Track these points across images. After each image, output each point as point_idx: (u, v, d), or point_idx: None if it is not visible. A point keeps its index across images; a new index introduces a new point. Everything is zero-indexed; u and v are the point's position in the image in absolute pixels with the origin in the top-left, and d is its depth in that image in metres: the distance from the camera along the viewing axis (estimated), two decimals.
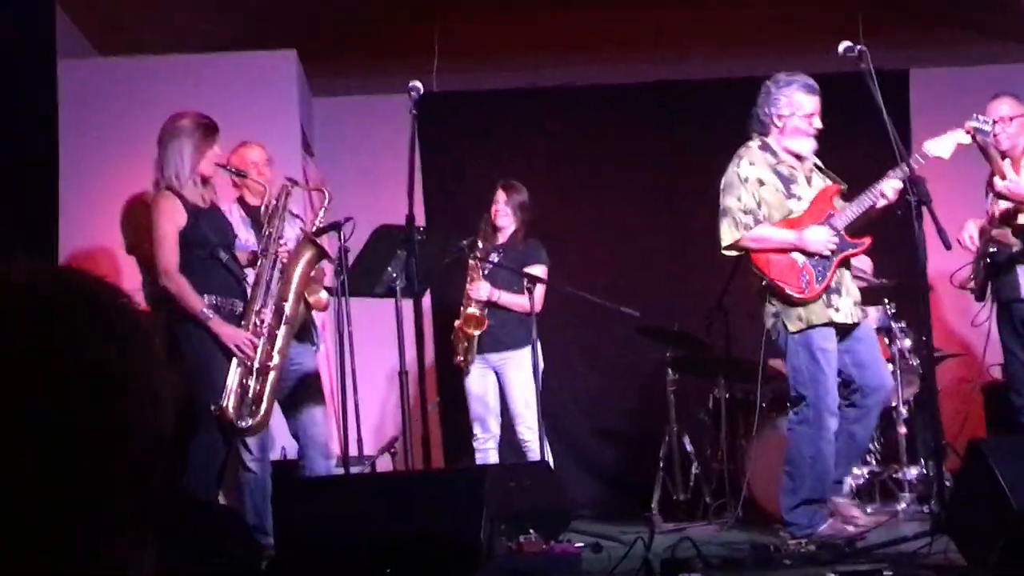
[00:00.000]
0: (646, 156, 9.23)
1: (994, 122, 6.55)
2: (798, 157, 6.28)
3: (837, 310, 6.09)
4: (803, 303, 6.10)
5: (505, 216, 7.54)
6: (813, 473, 6.08)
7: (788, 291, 6.09)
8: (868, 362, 6.16)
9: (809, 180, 6.29)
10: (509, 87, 9.39)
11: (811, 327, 6.06)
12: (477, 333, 7.39)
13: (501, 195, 7.58)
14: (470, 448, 7.61)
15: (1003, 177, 6.42)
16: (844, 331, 6.16)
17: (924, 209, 5.59)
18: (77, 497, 1.09)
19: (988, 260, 6.75)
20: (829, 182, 6.31)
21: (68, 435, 1.09)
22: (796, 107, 6.21)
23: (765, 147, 6.28)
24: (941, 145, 6.08)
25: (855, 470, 6.62)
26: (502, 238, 7.56)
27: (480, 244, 7.52)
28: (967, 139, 6.08)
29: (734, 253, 6.30)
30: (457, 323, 7.45)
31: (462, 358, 7.48)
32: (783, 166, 6.26)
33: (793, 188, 6.25)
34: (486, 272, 7.46)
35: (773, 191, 6.23)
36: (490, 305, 7.43)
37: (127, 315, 1.16)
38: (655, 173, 9.21)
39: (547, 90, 9.37)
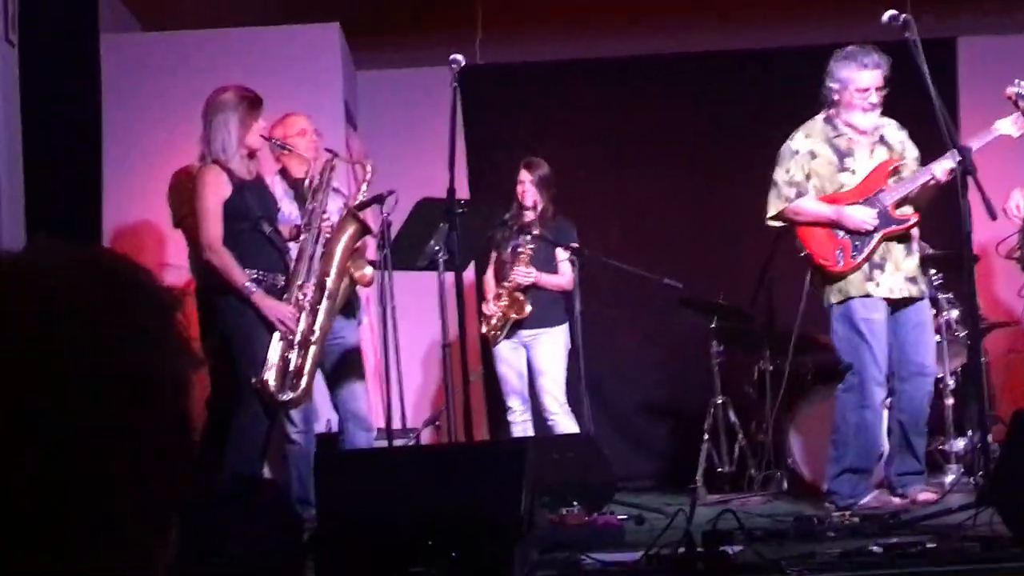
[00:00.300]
0: (691, 127, 9.16)
1: None
2: (861, 130, 6.32)
3: (878, 284, 6.19)
4: (840, 276, 6.22)
5: (532, 194, 7.53)
6: (857, 442, 6.22)
7: (822, 263, 6.25)
8: (910, 344, 6.26)
9: (872, 152, 6.34)
10: (553, 59, 9.35)
11: (850, 298, 6.19)
12: (516, 317, 7.42)
13: (524, 174, 7.56)
14: (506, 422, 7.63)
15: None
16: (895, 306, 6.24)
17: (970, 178, 5.54)
18: (77, 497, 1.09)
19: None
20: (892, 155, 6.33)
21: (68, 435, 1.08)
22: (847, 82, 6.27)
23: (828, 120, 6.38)
24: (1011, 126, 6.08)
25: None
26: (532, 216, 7.55)
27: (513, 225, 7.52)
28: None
29: (778, 224, 6.45)
30: (500, 306, 7.45)
31: (493, 333, 7.50)
32: (842, 139, 6.34)
33: (847, 162, 6.34)
34: (522, 254, 7.44)
35: (826, 163, 6.34)
36: (530, 287, 7.45)
37: (145, 303, 1.15)
38: (700, 145, 9.15)
39: (590, 61, 9.33)
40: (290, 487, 6.38)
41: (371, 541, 4.22)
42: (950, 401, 7.06)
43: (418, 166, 7.97)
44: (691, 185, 9.11)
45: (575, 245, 7.41)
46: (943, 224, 6.81)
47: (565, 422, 7.38)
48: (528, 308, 7.38)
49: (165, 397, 1.13)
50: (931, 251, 7.28)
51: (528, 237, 7.42)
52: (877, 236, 6.21)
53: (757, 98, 8.97)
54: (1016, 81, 6.14)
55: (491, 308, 7.53)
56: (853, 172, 6.35)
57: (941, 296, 7.07)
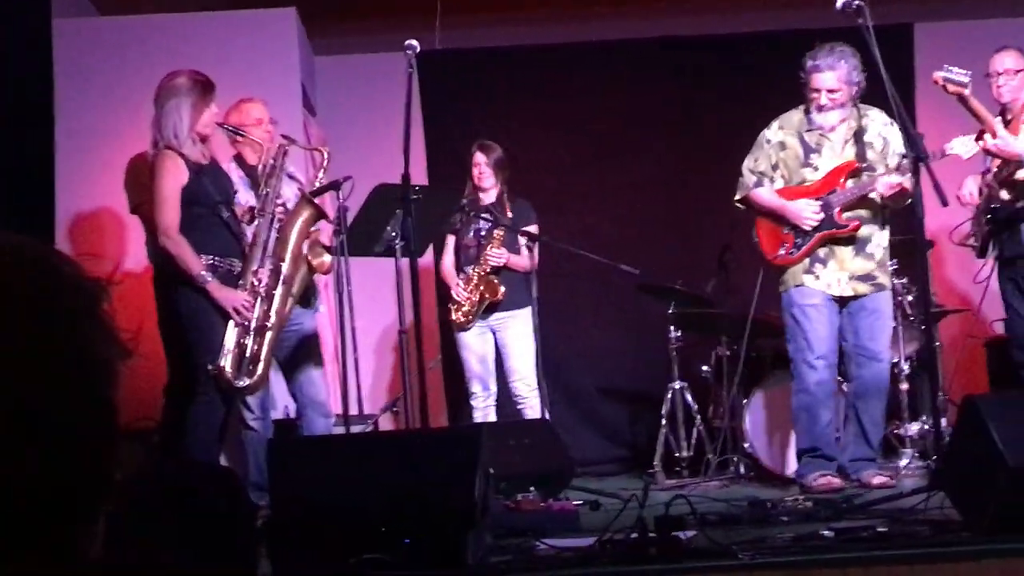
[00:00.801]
0: (650, 114, 9.17)
1: (998, 74, 6.62)
2: (828, 127, 6.53)
3: (817, 277, 6.48)
4: (781, 267, 6.55)
5: (488, 177, 7.54)
6: (799, 425, 6.53)
7: (766, 252, 6.60)
8: (863, 332, 6.46)
9: (843, 150, 6.53)
10: (513, 44, 9.33)
11: (791, 287, 6.50)
12: (491, 300, 7.43)
13: (479, 156, 7.58)
14: (469, 408, 7.63)
15: (994, 135, 6.38)
16: (844, 301, 6.48)
17: (922, 166, 5.58)
18: (46, 480, 1.09)
19: (989, 216, 6.72)
20: (870, 153, 6.50)
21: (26, 415, 1.08)
22: (805, 80, 6.49)
23: (806, 113, 6.57)
24: (964, 146, 6.26)
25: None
26: (488, 199, 7.55)
27: (484, 207, 7.52)
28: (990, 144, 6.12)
29: (743, 207, 6.74)
30: (472, 290, 7.44)
31: (465, 319, 7.49)
32: (812, 134, 6.56)
33: (812, 158, 6.56)
34: (495, 237, 7.45)
35: (793, 156, 6.60)
36: (501, 269, 7.46)
37: (70, 289, 1.15)
38: (659, 131, 9.16)
39: (552, 47, 9.31)
40: (247, 474, 6.38)
41: (325, 527, 4.22)
42: (904, 386, 7.13)
43: (377, 152, 7.95)
44: (654, 171, 9.10)
45: (531, 230, 7.43)
46: (896, 211, 6.84)
47: (536, 406, 7.38)
48: (503, 290, 7.40)
49: (89, 381, 1.13)
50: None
51: (488, 223, 7.42)
52: (816, 236, 6.46)
53: (719, 83, 8.98)
54: (944, 66, 6.21)
55: (462, 294, 7.51)
56: (815, 168, 6.54)
57: (896, 281, 7.12)
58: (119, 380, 1.19)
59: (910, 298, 7.19)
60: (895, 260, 7.12)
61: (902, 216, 6.63)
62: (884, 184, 6.30)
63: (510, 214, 7.48)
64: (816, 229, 6.45)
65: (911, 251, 6.54)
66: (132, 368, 1.19)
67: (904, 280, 7.19)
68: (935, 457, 5.91)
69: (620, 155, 9.12)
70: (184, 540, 4.02)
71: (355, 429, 6.59)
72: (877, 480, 6.31)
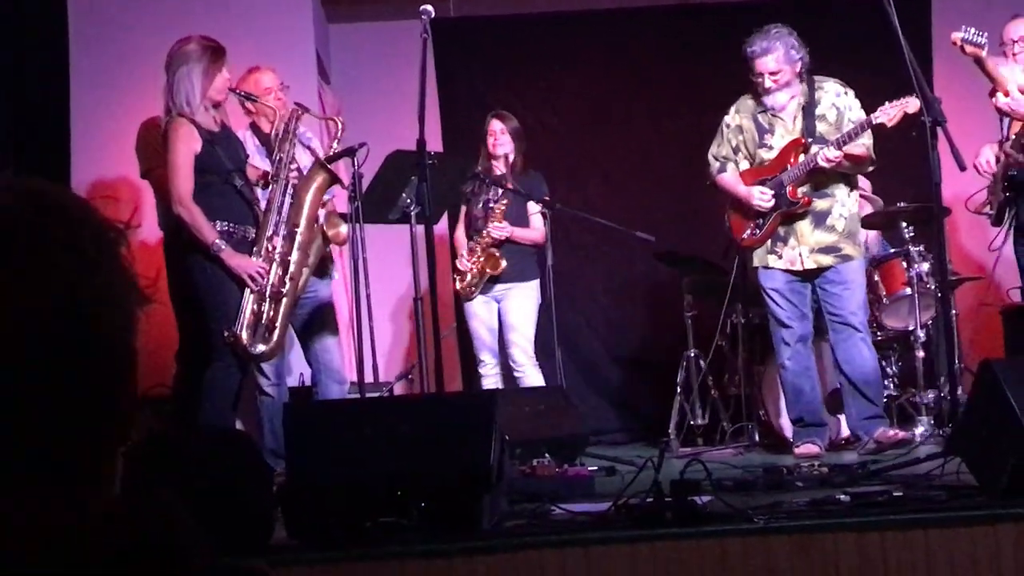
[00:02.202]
0: (666, 81, 9.12)
1: (1013, 42, 6.59)
2: (778, 107, 6.68)
3: (780, 257, 6.68)
4: (747, 248, 6.80)
5: (504, 145, 7.49)
6: (785, 398, 6.85)
7: (734, 235, 6.86)
8: (833, 301, 6.63)
9: (793, 126, 6.69)
10: (527, 12, 9.30)
11: (759, 268, 6.76)
12: (491, 273, 7.42)
13: (496, 124, 7.53)
14: (478, 376, 7.63)
15: (1005, 93, 6.36)
16: (812, 274, 6.66)
17: (939, 130, 5.55)
18: (77, 427, 1.09)
19: (1007, 183, 6.70)
20: (821, 126, 6.61)
21: (43, 354, 1.08)
22: (749, 69, 6.67)
23: (756, 95, 6.74)
24: (889, 113, 6.24)
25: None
26: (501, 169, 7.52)
27: (493, 176, 7.49)
28: (915, 107, 6.04)
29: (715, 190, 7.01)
30: (475, 261, 7.42)
31: (468, 289, 7.48)
32: (765, 115, 6.75)
33: (766, 138, 6.75)
34: (497, 209, 7.43)
35: (751, 139, 6.81)
36: (504, 241, 7.44)
37: (89, 231, 1.15)
38: (673, 99, 9.11)
39: (565, 15, 9.27)
40: (262, 440, 6.39)
41: (340, 492, 4.23)
42: (920, 353, 7.10)
43: (392, 120, 7.92)
44: (668, 139, 9.06)
45: (546, 198, 7.42)
46: (913, 177, 6.83)
47: (533, 375, 7.40)
48: (503, 264, 7.37)
49: (107, 323, 1.13)
50: (902, 204, 7.33)
51: (500, 191, 7.40)
52: (774, 215, 6.64)
53: (734, 51, 8.92)
54: (962, 27, 6.20)
55: (465, 264, 7.50)
56: (770, 148, 6.75)
57: (912, 249, 7.10)
58: (137, 324, 1.19)
59: (926, 266, 7.16)
60: (911, 227, 7.11)
61: (917, 183, 6.61)
62: (822, 157, 6.42)
63: (511, 184, 7.42)
64: (773, 210, 6.62)
65: (927, 219, 6.53)
66: (144, 334, 1.18)
67: (920, 248, 7.17)
68: (951, 424, 5.91)
69: (633, 123, 9.08)
70: (200, 504, 4.03)
71: (370, 396, 6.60)
72: (891, 434, 6.44)
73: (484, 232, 7.41)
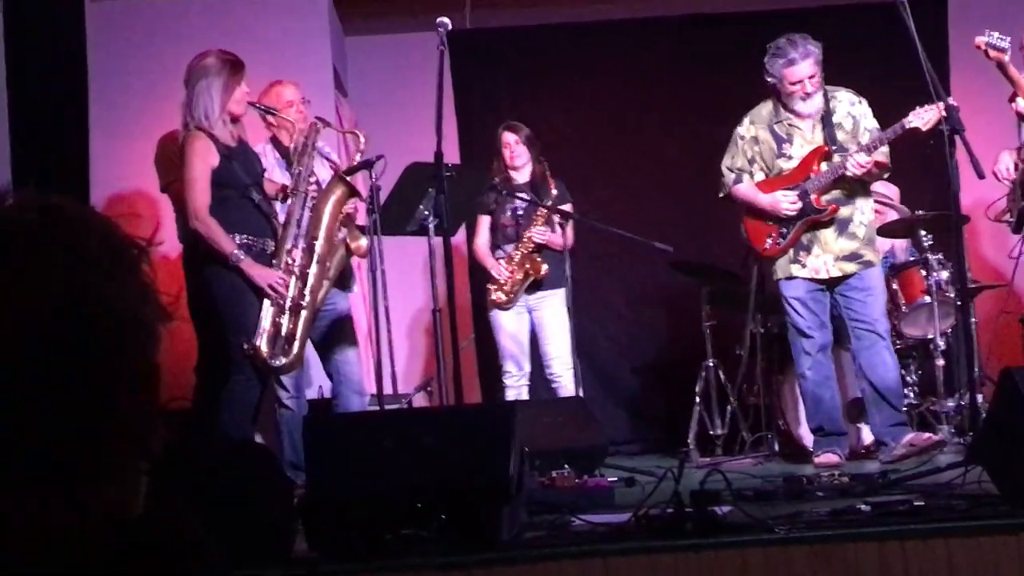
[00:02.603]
0: (682, 91, 9.14)
1: None
2: (804, 115, 6.64)
3: (804, 266, 6.64)
4: (768, 258, 6.74)
5: (521, 155, 7.52)
6: (805, 408, 6.86)
7: (755, 245, 6.78)
8: (856, 308, 6.60)
9: (813, 134, 6.66)
10: (543, 23, 9.32)
11: (782, 279, 6.70)
12: (534, 278, 7.43)
13: (509, 136, 7.56)
14: (502, 386, 7.64)
15: None
16: (835, 282, 6.62)
17: (957, 138, 5.54)
18: (77, 428, 1.10)
19: None
20: (839, 134, 6.59)
21: (64, 368, 1.09)
22: (779, 78, 6.61)
23: (774, 104, 6.71)
24: (924, 117, 6.19)
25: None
26: (522, 178, 7.54)
27: (521, 186, 7.51)
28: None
29: (729, 202, 6.94)
30: (514, 268, 7.43)
31: (508, 298, 7.48)
32: (782, 125, 6.70)
33: (785, 148, 6.71)
34: (520, 213, 7.45)
35: (767, 149, 6.75)
36: (542, 247, 7.47)
37: (109, 248, 1.16)
38: (692, 107, 9.11)
39: (581, 26, 9.30)
40: (281, 453, 6.40)
41: (360, 504, 4.23)
42: (940, 362, 7.07)
43: (408, 132, 7.95)
44: (684, 148, 9.06)
45: (566, 209, 7.45)
46: (932, 185, 6.82)
47: (570, 385, 7.39)
48: (545, 267, 7.40)
49: (127, 338, 1.13)
50: (920, 213, 7.31)
51: (525, 203, 7.42)
52: (799, 223, 6.60)
53: (751, 61, 8.92)
54: (986, 31, 6.19)
55: (504, 273, 7.50)
56: (790, 158, 6.69)
57: (931, 257, 7.08)
58: (159, 341, 1.19)
59: (945, 274, 7.14)
60: (930, 235, 7.09)
61: (936, 191, 6.60)
62: (853, 163, 6.40)
63: (554, 191, 7.47)
64: (797, 217, 6.59)
65: (945, 226, 6.51)
66: (165, 349, 1.19)
67: (939, 256, 7.15)
68: (971, 433, 5.89)
69: (648, 133, 9.10)
70: (215, 515, 4.04)
71: (389, 408, 6.60)
72: (925, 437, 6.46)
73: (524, 237, 7.42)
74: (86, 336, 1.10)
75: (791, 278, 6.66)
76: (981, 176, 5.61)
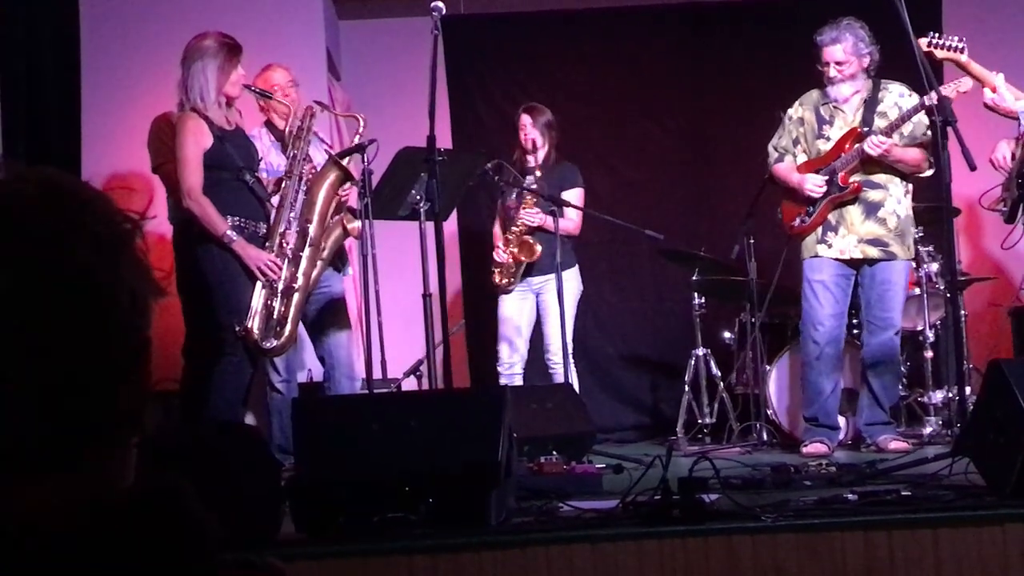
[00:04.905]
0: (674, 79, 9.13)
1: None
2: (843, 99, 6.69)
3: (829, 246, 6.65)
4: (799, 237, 6.76)
5: (536, 138, 7.51)
6: (804, 394, 6.84)
7: (786, 224, 6.82)
8: (874, 300, 6.63)
9: (854, 119, 6.68)
10: (537, 9, 9.30)
11: (806, 258, 6.72)
12: (527, 261, 7.42)
13: (526, 118, 7.56)
14: (495, 370, 7.63)
15: (993, 89, 6.38)
16: (858, 265, 6.63)
17: (950, 130, 5.55)
18: (77, 405, 1.10)
19: (1021, 180, 6.68)
20: (879, 121, 6.60)
21: (58, 341, 1.09)
22: (816, 56, 6.69)
23: (823, 88, 6.76)
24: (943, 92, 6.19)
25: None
26: (535, 162, 7.53)
27: (511, 170, 7.49)
28: (967, 86, 6.18)
29: (773, 185, 6.99)
30: (510, 252, 7.43)
31: (506, 281, 7.48)
32: (827, 108, 6.75)
33: (825, 129, 6.76)
34: (528, 196, 7.44)
35: (810, 130, 6.82)
36: (536, 230, 7.45)
37: (103, 221, 1.16)
38: (684, 97, 9.11)
39: (576, 12, 9.28)
40: (270, 436, 6.40)
41: (348, 487, 4.23)
42: (929, 354, 7.10)
43: (402, 116, 7.93)
44: (676, 137, 9.08)
45: (574, 192, 7.48)
46: (923, 178, 6.81)
47: (569, 372, 7.38)
48: (539, 249, 7.38)
49: (121, 312, 1.13)
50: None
51: (532, 182, 7.42)
52: (824, 202, 6.63)
53: (741, 50, 8.93)
54: (930, 33, 6.25)
55: (501, 256, 7.50)
56: (828, 139, 6.74)
57: (921, 249, 7.10)
58: (151, 314, 1.19)
59: (935, 266, 7.15)
60: (921, 227, 7.10)
61: (928, 183, 6.61)
62: (870, 143, 6.44)
63: (538, 172, 7.45)
64: (824, 196, 6.62)
65: (936, 219, 6.52)
66: (153, 329, 1.19)
67: (929, 248, 7.16)
68: (959, 425, 5.91)
69: (641, 121, 9.08)
70: (210, 497, 4.03)
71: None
72: (893, 445, 6.46)
73: (519, 221, 7.43)
74: (87, 311, 1.10)
75: (816, 257, 6.67)
76: (973, 168, 5.62)
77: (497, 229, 7.68)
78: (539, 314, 7.57)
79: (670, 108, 9.11)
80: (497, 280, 7.53)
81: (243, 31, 6.48)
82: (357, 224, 6.43)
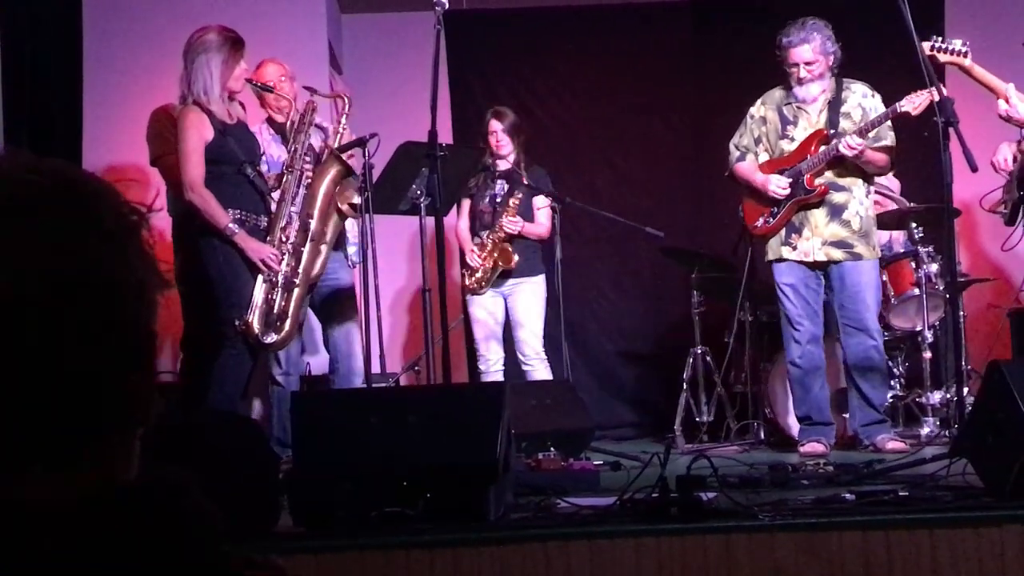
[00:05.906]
0: (676, 76, 9.13)
1: None
2: (809, 99, 6.71)
3: (793, 248, 6.68)
4: (762, 238, 6.79)
5: (506, 144, 7.50)
6: (793, 396, 6.87)
7: (748, 224, 6.85)
8: (847, 303, 6.66)
9: (818, 120, 6.71)
10: (539, 5, 9.30)
11: (772, 261, 6.76)
12: (505, 266, 7.42)
13: (495, 123, 7.53)
14: (477, 369, 7.65)
15: (1007, 100, 6.34)
16: (823, 267, 6.67)
17: (951, 131, 5.55)
18: (85, 399, 1.09)
19: (1022, 182, 6.69)
20: (845, 123, 6.63)
21: (67, 332, 1.09)
22: (782, 57, 6.70)
23: (787, 87, 6.77)
24: (914, 101, 6.29)
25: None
26: (504, 166, 7.52)
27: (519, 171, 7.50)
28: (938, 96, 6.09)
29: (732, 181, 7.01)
30: (485, 256, 7.42)
31: (478, 284, 7.48)
32: (790, 107, 6.77)
33: (788, 129, 6.78)
34: (511, 204, 7.43)
35: (773, 130, 6.83)
36: (515, 237, 7.45)
37: (110, 212, 1.16)
38: (686, 93, 9.12)
39: (578, 8, 9.28)
40: (271, 430, 6.40)
41: (346, 481, 4.23)
42: (927, 354, 7.09)
43: (403, 111, 7.93)
44: (678, 134, 9.09)
45: (555, 193, 7.44)
46: (926, 177, 6.82)
47: (541, 370, 7.43)
48: (516, 258, 7.38)
49: (129, 303, 1.13)
50: (912, 205, 7.32)
51: (506, 187, 7.41)
52: (789, 204, 6.64)
53: (741, 47, 8.93)
54: (932, 37, 6.22)
55: (476, 260, 7.50)
56: (792, 140, 6.76)
57: (921, 250, 7.10)
58: (156, 307, 1.19)
59: (934, 267, 7.15)
60: (921, 228, 7.10)
61: (930, 184, 6.61)
62: (845, 144, 6.43)
63: (526, 180, 7.44)
64: (788, 198, 6.64)
65: (937, 219, 6.52)
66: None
67: (929, 248, 7.16)
68: (957, 426, 5.91)
69: (642, 118, 9.09)
70: (207, 489, 4.03)
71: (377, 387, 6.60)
72: (891, 445, 6.46)
73: (497, 227, 7.41)
74: (96, 303, 1.10)
75: (781, 260, 6.69)
76: (974, 169, 5.61)
77: (464, 230, 7.65)
78: (509, 317, 7.57)
79: (672, 105, 9.11)
80: (468, 283, 7.53)
81: (245, 25, 6.48)
82: (355, 200, 6.38)
